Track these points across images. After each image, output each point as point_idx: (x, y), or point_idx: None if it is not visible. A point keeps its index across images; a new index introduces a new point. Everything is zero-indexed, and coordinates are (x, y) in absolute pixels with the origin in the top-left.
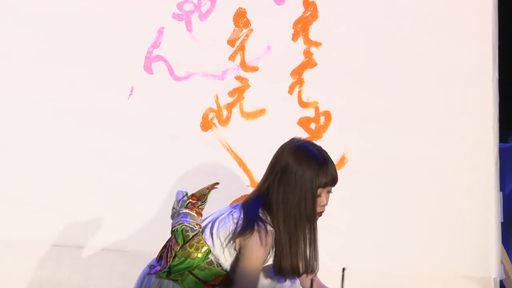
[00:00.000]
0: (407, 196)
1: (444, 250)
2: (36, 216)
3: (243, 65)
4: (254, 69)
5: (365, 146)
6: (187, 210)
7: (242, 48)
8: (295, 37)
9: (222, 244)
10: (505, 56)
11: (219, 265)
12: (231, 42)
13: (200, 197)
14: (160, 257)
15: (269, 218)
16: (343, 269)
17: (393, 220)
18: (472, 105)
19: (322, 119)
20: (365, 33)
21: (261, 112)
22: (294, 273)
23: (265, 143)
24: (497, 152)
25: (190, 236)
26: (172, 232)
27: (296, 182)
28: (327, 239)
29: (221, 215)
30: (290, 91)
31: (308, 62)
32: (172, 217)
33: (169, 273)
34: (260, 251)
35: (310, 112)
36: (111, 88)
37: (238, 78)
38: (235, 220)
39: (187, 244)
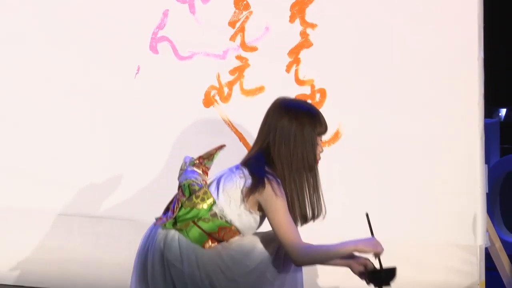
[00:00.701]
0: (397, 170)
1: (434, 220)
2: (44, 186)
3: (243, 45)
4: (253, 49)
5: (357, 122)
6: (194, 168)
7: (242, 29)
8: (292, 19)
9: (229, 197)
10: (490, 35)
11: (223, 217)
12: (231, 24)
13: (207, 157)
14: (166, 210)
15: (274, 173)
16: (367, 214)
17: (384, 192)
18: (459, 83)
19: (318, 96)
20: (356, 16)
21: (260, 89)
22: (303, 221)
23: None
24: (483, 127)
25: (197, 190)
26: (179, 187)
27: (296, 137)
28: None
29: (224, 174)
30: (288, 70)
31: (305, 43)
32: (179, 178)
33: (175, 223)
34: (278, 200)
35: (306, 90)
36: (119, 68)
37: (239, 57)
38: (241, 176)
39: (194, 195)
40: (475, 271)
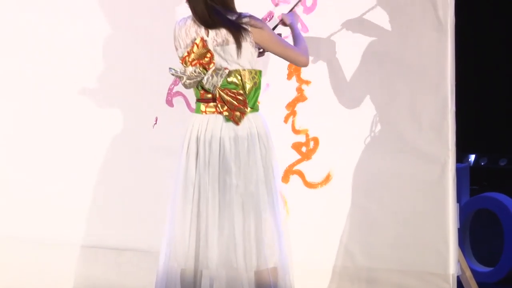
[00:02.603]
0: (382, 207)
1: (413, 250)
2: (65, 218)
3: None
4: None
5: (346, 166)
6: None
7: None
8: (289, 77)
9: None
10: (462, 89)
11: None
12: None
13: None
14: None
15: (234, 12)
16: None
17: (370, 225)
18: (435, 133)
19: (311, 143)
20: (345, 73)
21: None
22: None
23: None
24: (455, 171)
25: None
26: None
27: None
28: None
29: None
30: (285, 121)
31: (300, 97)
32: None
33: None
34: (266, 25)
35: (301, 138)
36: (140, 119)
37: None
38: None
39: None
40: None
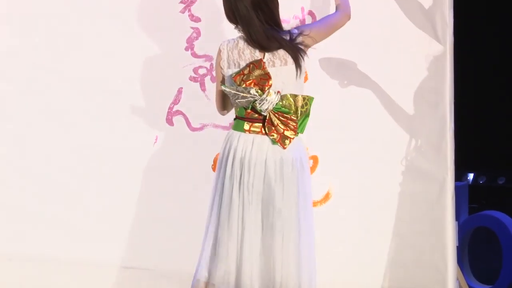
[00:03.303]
0: (383, 225)
1: (414, 267)
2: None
3: None
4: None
5: (346, 185)
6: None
7: None
8: None
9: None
10: (460, 108)
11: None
12: None
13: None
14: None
15: (279, 25)
16: None
17: (371, 242)
18: (434, 153)
19: (311, 162)
20: (340, 101)
21: None
22: None
23: None
24: (453, 189)
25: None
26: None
27: None
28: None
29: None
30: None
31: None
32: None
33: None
34: (311, 25)
35: None
36: (140, 138)
37: None
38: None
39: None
40: None
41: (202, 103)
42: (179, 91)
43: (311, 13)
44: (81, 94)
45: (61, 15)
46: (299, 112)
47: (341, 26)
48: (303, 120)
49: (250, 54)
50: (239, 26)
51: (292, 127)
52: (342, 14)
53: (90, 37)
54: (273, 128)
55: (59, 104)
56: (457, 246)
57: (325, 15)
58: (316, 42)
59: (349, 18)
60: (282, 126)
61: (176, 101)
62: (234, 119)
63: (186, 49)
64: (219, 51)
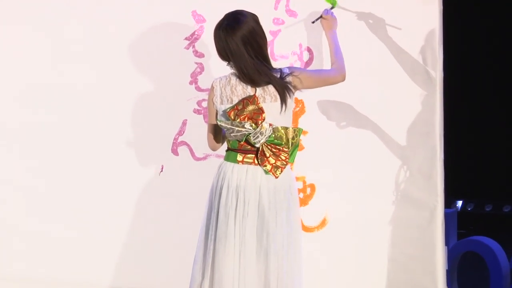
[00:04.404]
0: (373, 251)
1: None
2: (90, 259)
3: None
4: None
5: (341, 212)
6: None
7: None
8: None
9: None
10: (450, 138)
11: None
12: None
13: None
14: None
15: (270, 66)
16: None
17: (364, 267)
18: (424, 182)
19: (308, 189)
20: (341, 124)
21: None
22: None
23: None
24: (443, 216)
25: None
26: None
27: (262, 32)
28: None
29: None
30: None
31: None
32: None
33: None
34: (307, 71)
35: (299, 185)
36: (146, 167)
37: None
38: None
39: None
40: None
41: (205, 134)
42: (184, 123)
43: (308, 50)
44: (90, 125)
45: (73, 54)
46: (290, 143)
47: (332, 83)
48: (293, 151)
49: (242, 90)
50: (231, 63)
51: (283, 157)
52: (337, 72)
53: (100, 72)
54: (266, 159)
55: (62, 139)
56: (446, 270)
57: (322, 51)
58: (304, 87)
59: (343, 79)
60: (274, 157)
61: (181, 132)
62: (226, 150)
63: (191, 83)
64: (212, 87)
